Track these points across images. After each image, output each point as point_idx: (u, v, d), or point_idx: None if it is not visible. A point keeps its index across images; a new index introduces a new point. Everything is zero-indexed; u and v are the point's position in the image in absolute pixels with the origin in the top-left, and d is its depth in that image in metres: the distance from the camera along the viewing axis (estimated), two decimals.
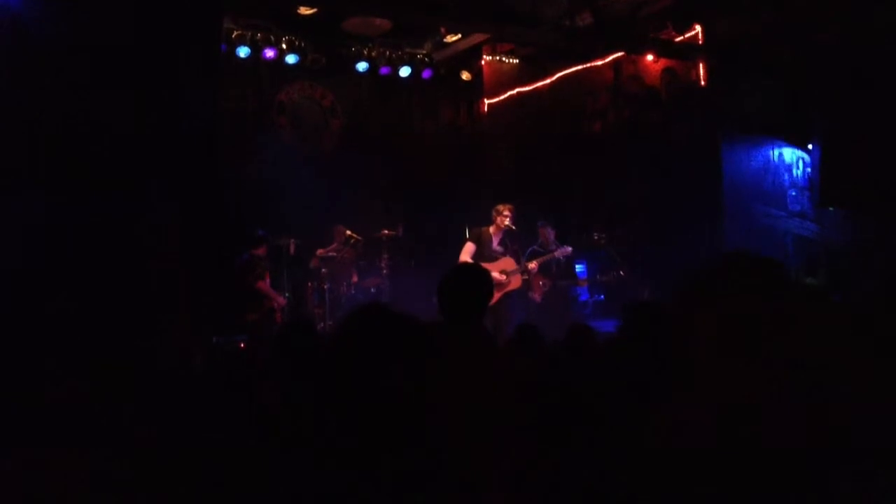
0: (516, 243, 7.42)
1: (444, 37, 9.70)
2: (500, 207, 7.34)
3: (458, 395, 2.53)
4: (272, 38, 9.10)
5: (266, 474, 2.39)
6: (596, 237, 7.95)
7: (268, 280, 7.95)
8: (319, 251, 8.47)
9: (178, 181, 5.16)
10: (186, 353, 4.86)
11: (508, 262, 7.31)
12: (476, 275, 3.02)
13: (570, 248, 7.61)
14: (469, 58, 10.20)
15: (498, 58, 10.20)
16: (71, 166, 4.49)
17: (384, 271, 8.76)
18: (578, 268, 8.33)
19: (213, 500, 2.42)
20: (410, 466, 2.41)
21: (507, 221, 7.29)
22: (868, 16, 6.90)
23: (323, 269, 8.39)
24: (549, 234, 7.78)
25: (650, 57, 8.55)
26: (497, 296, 7.13)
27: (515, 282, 7.31)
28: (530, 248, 7.64)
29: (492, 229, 7.36)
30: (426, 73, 10.06)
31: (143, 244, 4.89)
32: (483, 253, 7.27)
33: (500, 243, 7.39)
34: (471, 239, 7.41)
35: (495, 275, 7.17)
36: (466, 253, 7.25)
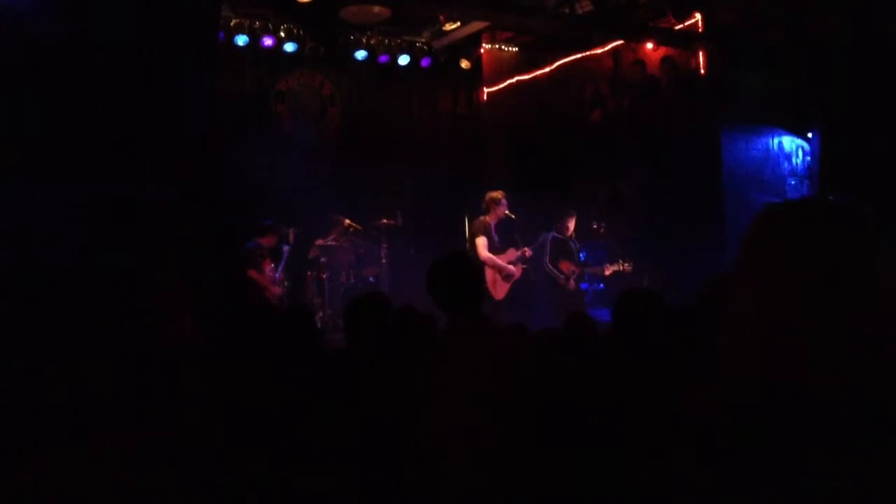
0: (513, 231, 7.33)
1: (443, 25, 9.67)
2: (496, 195, 7.11)
3: (455, 384, 2.54)
4: (270, 26, 9.07)
5: (260, 463, 2.40)
6: (594, 226, 7.92)
7: (266, 270, 7.94)
8: (318, 241, 8.45)
9: (177, 171, 5.15)
10: (184, 342, 4.86)
11: (511, 253, 7.23)
12: (468, 264, 2.90)
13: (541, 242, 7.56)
14: (468, 46, 10.16)
15: (497, 46, 10.17)
16: (69, 157, 4.48)
17: (383, 261, 8.75)
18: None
19: (211, 489, 2.43)
20: (405, 455, 2.41)
21: (505, 211, 7.13)
22: (868, 3, 6.87)
23: (322, 259, 8.37)
24: (570, 222, 7.62)
25: (650, 45, 8.53)
26: (506, 287, 7.07)
27: (518, 271, 7.24)
28: (551, 235, 7.55)
29: (490, 219, 7.14)
30: (425, 62, 10.03)
31: (141, 234, 4.88)
32: (492, 245, 7.11)
33: (496, 232, 7.21)
34: (480, 232, 7.09)
35: (510, 267, 7.09)
36: (483, 247, 6.96)
